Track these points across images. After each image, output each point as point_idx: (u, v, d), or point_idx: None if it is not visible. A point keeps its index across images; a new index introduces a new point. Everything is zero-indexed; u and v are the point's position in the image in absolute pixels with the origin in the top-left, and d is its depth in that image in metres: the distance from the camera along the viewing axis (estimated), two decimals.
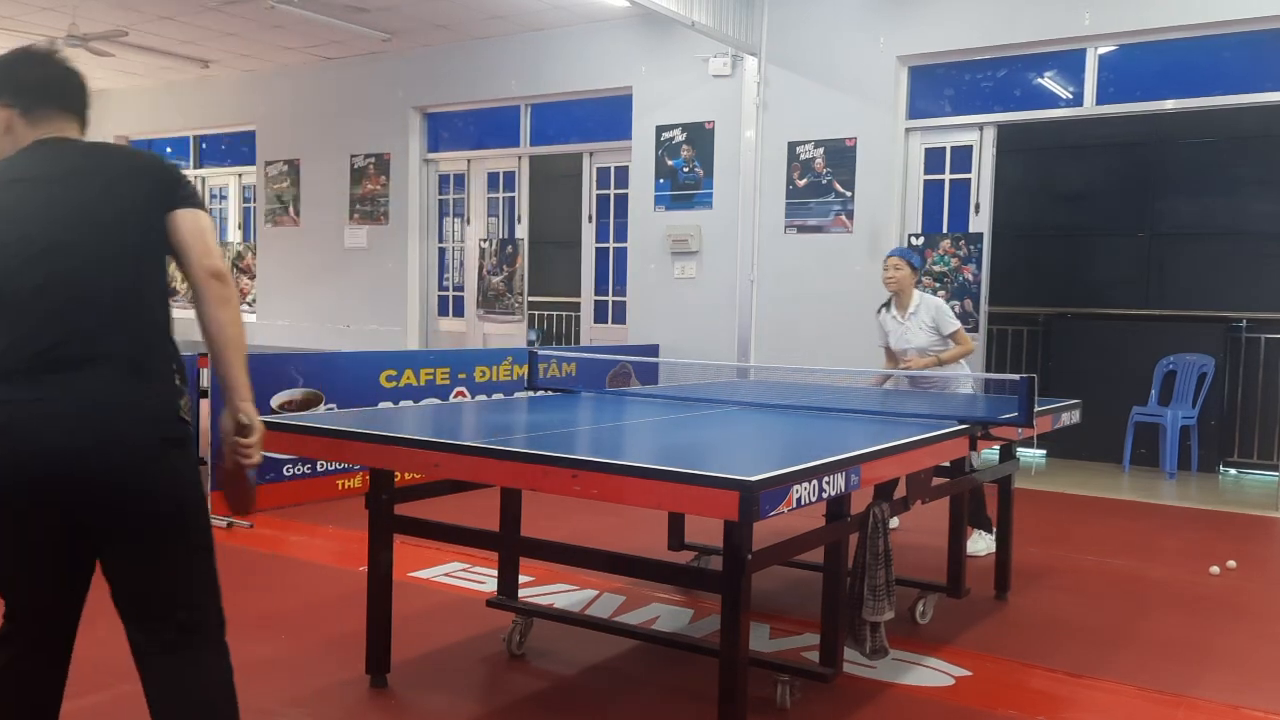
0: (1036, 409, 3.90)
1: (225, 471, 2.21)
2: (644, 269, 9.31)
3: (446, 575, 4.76)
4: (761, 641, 3.91)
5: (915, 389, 5.54)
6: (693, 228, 8.96)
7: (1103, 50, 7.50)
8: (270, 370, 6.08)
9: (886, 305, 5.64)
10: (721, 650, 2.76)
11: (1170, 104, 7.38)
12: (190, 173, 12.92)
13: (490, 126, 10.55)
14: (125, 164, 2.24)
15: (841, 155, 8.27)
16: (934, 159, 8.21)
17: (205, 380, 5.69)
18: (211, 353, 2.14)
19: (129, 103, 13.02)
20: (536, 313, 10.94)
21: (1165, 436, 8.11)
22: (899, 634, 3.94)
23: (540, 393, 4.77)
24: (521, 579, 4.17)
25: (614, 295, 9.87)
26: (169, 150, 13.15)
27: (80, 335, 2.00)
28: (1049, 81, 7.76)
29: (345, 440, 3.07)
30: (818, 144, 8.37)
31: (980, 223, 8.00)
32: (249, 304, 12.17)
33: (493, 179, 10.57)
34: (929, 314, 5.44)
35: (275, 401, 6.02)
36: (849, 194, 8.25)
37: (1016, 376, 3.88)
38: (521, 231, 10.34)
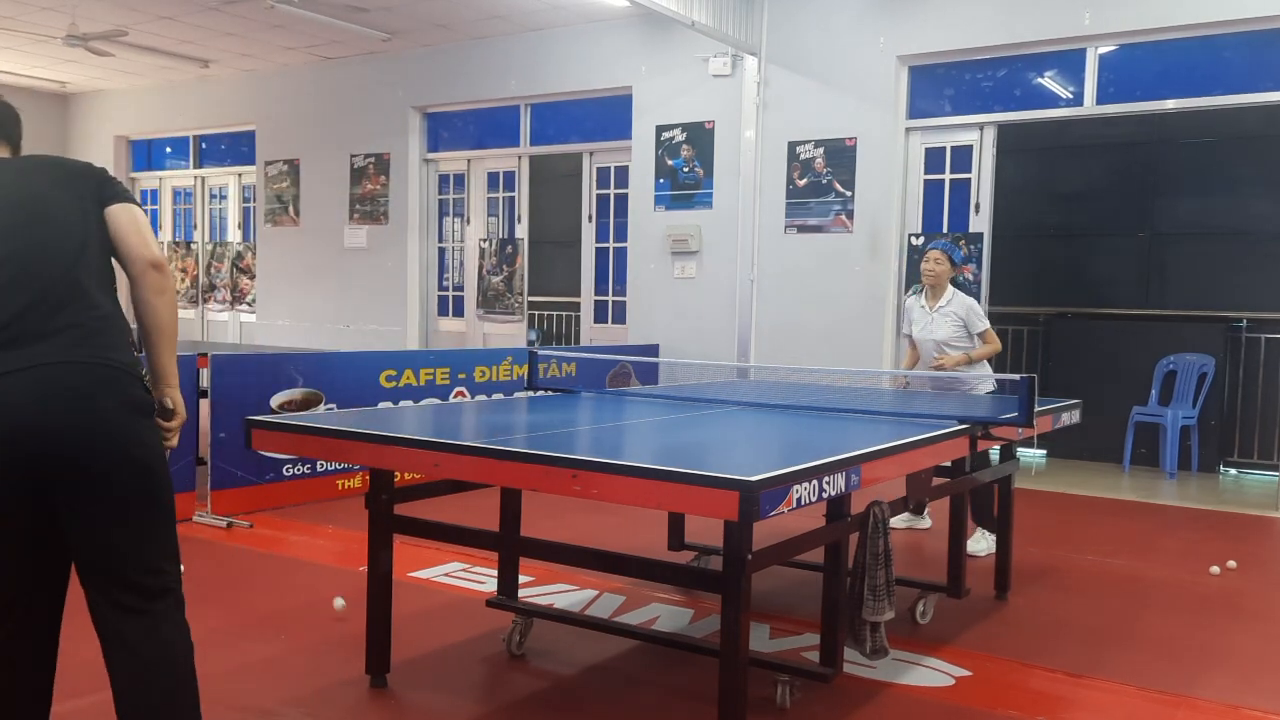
0: (1036, 409, 3.90)
1: None
2: (644, 269, 9.31)
3: (446, 575, 4.76)
4: (761, 641, 3.91)
5: (934, 388, 5.53)
6: (693, 228, 8.96)
7: (1103, 50, 7.51)
8: (270, 370, 6.08)
9: (918, 292, 5.67)
10: (721, 650, 2.76)
11: (1170, 104, 7.38)
12: (190, 172, 12.94)
13: (490, 126, 10.55)
14: (61, 168, 2.36)
15: (841, 155, 8.27)
16: (934, 159, 8.21)
17: (205, 380, 5.70)
18: (144, 339, 2.24)
19: (129, 103, 13.02)
20: (536, 313, 10.94)
21: (1165, 436, 8.11)
22: (899, 634, 3.94)
23: (540, 393, 4.77)
24: (521, 579, 4.17)
25: (614, 295, 9.87)
26: (169, 150, 13.17)
27: (37, 311, 2.07)
28: (1049, 81, 7.76)
29: (345, 440, 3.07)
30: (818, 144, 8.37)
31: (980, 223, 8.00)
32: (249, 304, 12.18)
33: (493, 179, 10.57)
34: (960, 310, 5.47)
35: (275, 401, 6.02)
36: (849, 194, 8.25)
37: (1016, 376, 3.88)
38: (521, 231, 10.34)
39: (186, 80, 12.18)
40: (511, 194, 10.42)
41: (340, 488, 6.45)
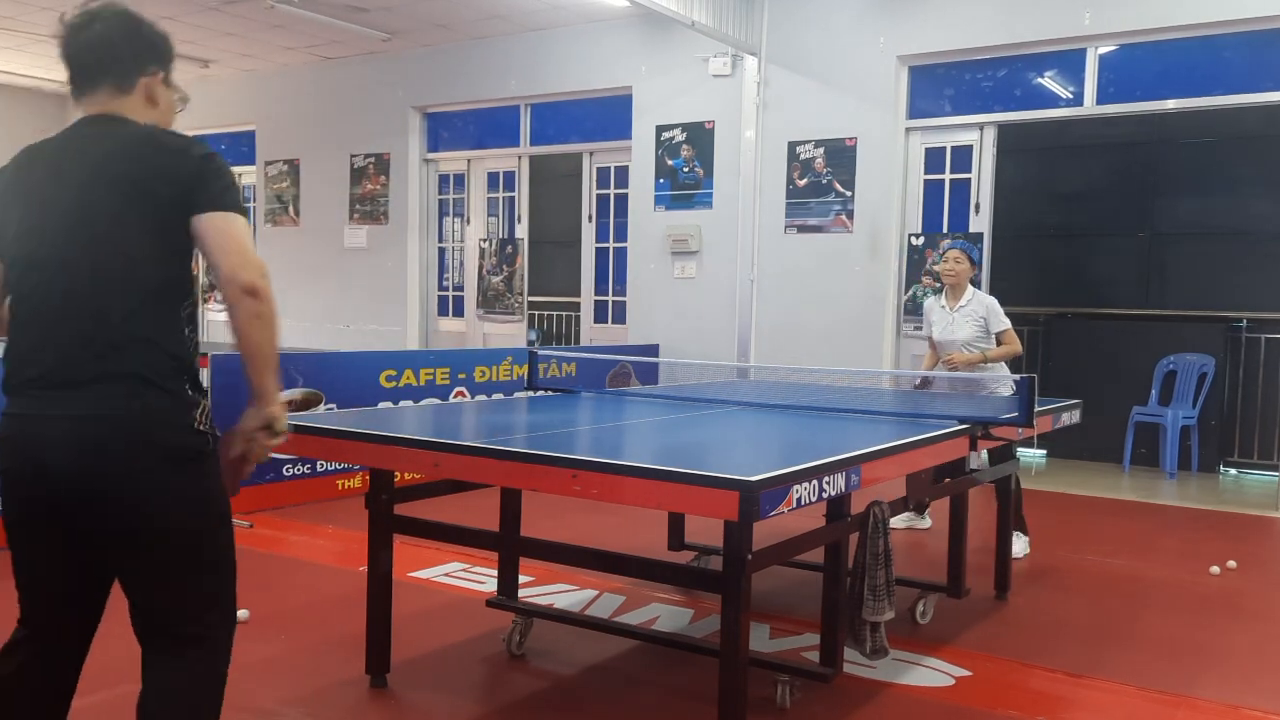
0: (1037, 409, 3.90)
1: (228, 459, 2.15)
2: (644, 269, 9.31)
3: (446, 575, 4.76)
4: (761, 641, 3.91)
5: (954, 389, 5.49)
6: (693, 228, 8.96)
7: (1103, 50, 7.51)
8: None
9: (938, 293, 5.64)
10: (721, 650, 2.76)
11: (1170, 104, 7.38)
12: None
13: (490, 126, 10.55)
14: (143, 163, 2.03)
15: (841, 155, 8.27)
16: (934, 159, 8.21)
17: (205, 380, 5.70)
18: (243, 360, 2.08)
19: None
20: (536, 313, 10.94)
21: (1165, 436, 8.11)
22: (899, 634, 3.94)
23: (540, 393, 4.77)
24: (521, 579, 4.17)
25: (614, 295, 9.87)
26: None
27: (87, 354, 1.96)
28: (1049, 81, 7.76)
29: (345, 440, 3.07)
30: (818, 144, 8.37)
31: (980, 223, 8.00)
32: None
33: (493, 179, 10.57)
34: (981, 309, 5.41)
35: None
36: (849, 194, 8.25)
37: (1016, 376, 3.88)
38: (521, 231, 10.34)
39: (186, 80, 12.10)
40: (511, 194, 10.42)
41: (340, 488, 6.45)
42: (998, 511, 4.78)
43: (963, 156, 8.07)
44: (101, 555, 2.06)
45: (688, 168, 9.03)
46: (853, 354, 8.01)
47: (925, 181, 8.24)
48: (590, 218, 9.96)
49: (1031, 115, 7.83)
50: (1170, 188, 9.35)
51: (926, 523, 5.93)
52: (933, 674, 3.67)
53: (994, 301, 5.48)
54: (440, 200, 10.93)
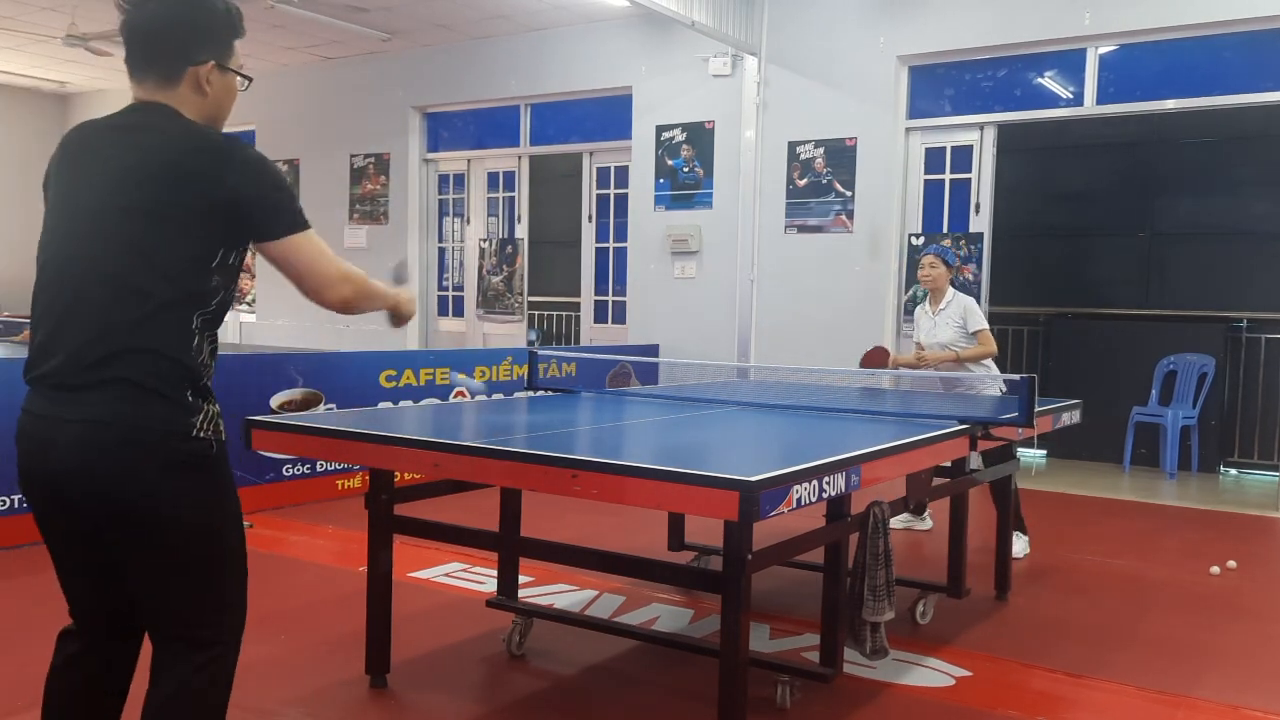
0: (1037, 409, 3.90)
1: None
2: (644, 269, 9.31)
3: (446, 575, 4.76)
4: (761, 641, 3.90)
5: (940, 388, 5.51)
6: (693, 228, 8.96)
7: (1103, 50, 7.51)
8: (270, 370, 6.08)
9: (920, 299, 5.70)
10: (721, 650, 2.75)
11: (1170, 104, 7.38)
12: None
13: (490, 126, 10.55)
14: (175, 170, 1.97)
15: (841, 155, 8.27)
16: (934, 159, 8.21)
17: None
18: None
19: (127, 102, 13.00)
20: (536, 313, 10.94)
21: (1165, 436, 8.11)
22: (899, 634, 3.94)
23: (540, 393, 4.77)
24: (521, 579, 4.17)
25: (614, 295, 9.87)
26: None
27: (92, 359, 1.95)
28: (1049, 81, 7.76)
29: (345, 440, 3.07)
30: (818, 144, 8.37)
31: (980, 223, 8.00)
32: (249, 304, 12.19)
33: (493, 179, 10.57)
34: (959, 311, 5.47)
35: (275, 401, 6.02)
36: (849, 194, 8.25)
37: (1016, 376, 3.88)
38: (521, 231, 10.34)
39: None
40: (511, 194, 10.42)
41: (340, 488, 6.45)
42: (997, 512, 4.78)
43: (963, 156, 8.07)
44: (111, 555, 2.06)
45: (688, 168, 9.03)
46: (853, 354, 7.97)
47: (925, 181, 8.24)
48: (590, 218, 9.96)
49: (1031, 115, 7.83)
50: (1170, 188, 9.36)
51: (927, 524, 5.93)
52: (933, 674, 3.67)
53: (971, 302, 5.53)
54: (440, 200, 10.93)
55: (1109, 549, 5.64)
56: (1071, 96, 7.65)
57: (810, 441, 3.47)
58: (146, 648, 2.17)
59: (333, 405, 6.29)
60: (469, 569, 4.83)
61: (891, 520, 3.38)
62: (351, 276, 2.13)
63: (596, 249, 9.95)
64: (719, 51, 8.62)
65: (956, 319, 5.45)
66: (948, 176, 8.15)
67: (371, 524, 3.40)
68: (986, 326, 5.49)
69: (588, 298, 10.05)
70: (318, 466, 6.29)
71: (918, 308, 5.77)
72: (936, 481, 3.98)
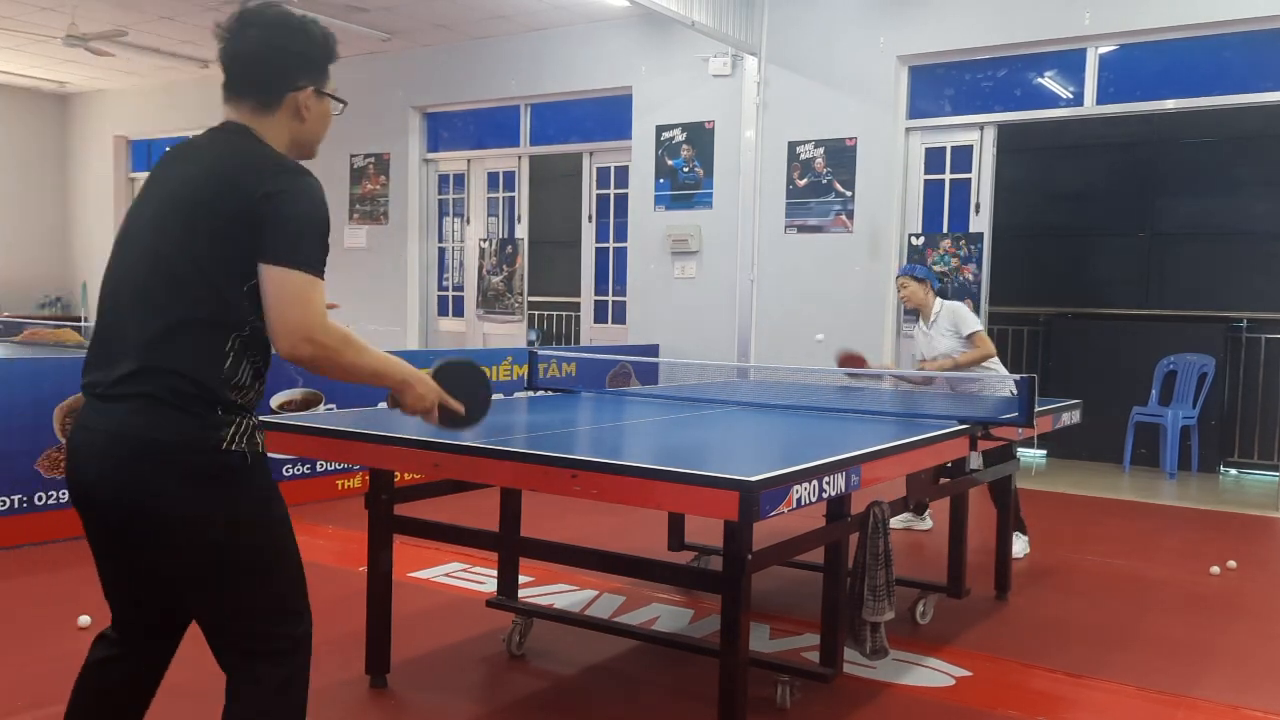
0: (1037, 409, 3.90)
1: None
2: (644, 269, 9.31)
3: (446, 575, 4.76)
4: (761, 641, 3.90)
5: (949, 390, 5.51)
6: (693, 228, 8.96)
7: (1103, 50, 7.51)
8: (270, 370, 6.06)
9: (916, 317, 5.70)
10: (721, 650, 2.75)
11: (1170, 104, 7.38)
12: None
13: (490, 126, 10.55)
14: (224, 191, 1.96)
15: (841, 155, 8.27)
16: (934, 159, 8.21)
17: None
18: None
19: (129, 103, 13.02)
20: (536, 313, 10.94)
21: (1165, 436, 8.11)
22: (899, 634, 3.94)
23: (540, 393, 4.77)
24: (521, 579, 4.17)
25: (614, 295, 9.87)
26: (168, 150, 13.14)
27: (123, 372, 1.95)
28: (1049, 81, 7.76)
29: (345, 440, 3.07)
30: (818, 144, 8.37)
31: (980, 223, 8.00)
32: None
33: (493, 179, 10.57)
34: (949, 319, 5.45)
35: (275, 401, 6.02)
36: (849, 194, 8.25)
37: (1017, 376, 3.88)
38: (521, 231, 10.34)
39: (186, 80, 12.17)
40: (511, 194, 10.42)
41: (340, 488, 6.45)
42: (997, 512, 4.79)
43: (963, 156, 8.07)
44: (142, 561, 2.06)
45: (688, 168, 9.03)
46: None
47: (925, 181, 8.24)
48: (590, 218, 9.96)
49: (1031, 115, 7.83)
50: (1170, 188, 9.36)
51: (927, 524, 5.93)
52: (933, 674, 3.67)
53: (960, 307, 5.51)
54: (440, 200, 10.93)
55: (1109, 549, 5.64)
56: (1071, 96, 7.65)
57: (810, 441, 3.47)
58: (187, 645, 2.17)
59: (333, 405, 6.29)
60: (469, 569, 4.83)
61: (891, 520, 3.38)
62: (323, 342, 1.96)
63: (596, 249, 9.95)
64: (719, 51, 8.62)
65: (949, 328, 5.44)
66: (948, 176, 8.15)
67: (371, 524, 3.40)
68: (979, 328, 5.46)
69: (588, 298, 10.05)
70: (318, 466, 6.29)
71: (916, 326, 5.74)
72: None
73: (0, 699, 3.24)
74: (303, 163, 2.10)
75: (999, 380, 5.34)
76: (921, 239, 8.13)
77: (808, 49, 8.37)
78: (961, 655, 3.86)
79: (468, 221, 10.71)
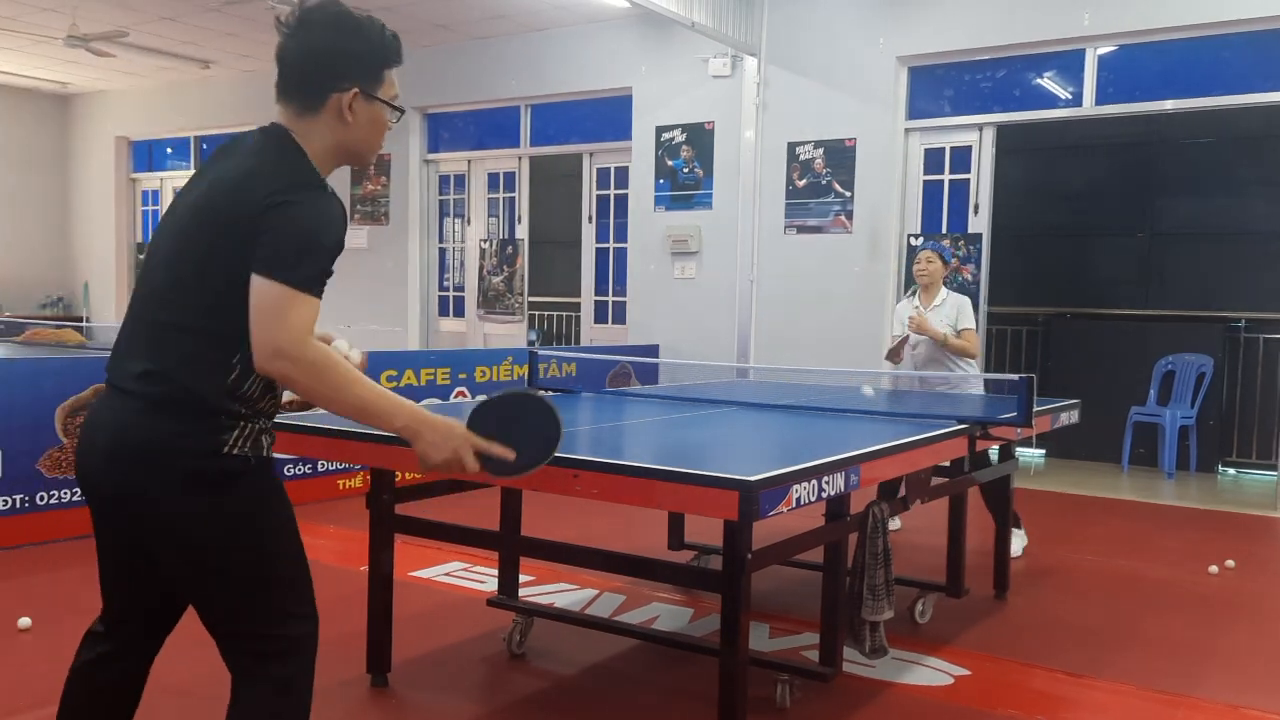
0: (1035, 409, 3.90)
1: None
2: (644, 269, 9.32)
3: (447, 575, 4.76)
4: (761, 641, 3.91)
5: (923, 387, 5.54)
6: (693, 228, 8.97)
7: (1102, 50, 7.51)
8: None
9: (911, 294, 5.69)
10: (721, 650, 2.76)
11: (1170, 104, 7.39)
12: (191, 173, 12.91)
13: (490, 127, 10.56)
14: (237, 197, 1.90)
15: (841, 155, 8.28)
16: (934, 159, 8.21)
17: None
18: None
19: (129, 103, 13.03)
20: (536, 313, 10.95)
21: (1164, 436, 8.12)
22: (899, 633, 3.94)
23: (540, 393, 4.76)
24: (521, 579, 4.18)
25: (614, 295, 9.88)
26: (169, 151, 13.15)
27: (132, 374, 1.96)
28: (1048, 82, 7.77)
29: (345, 440, 3.07)
30: (817, 144, 8.37)
31: (980, 223, 8.01)
32: None
33: (493, 179, 10.58)
34: (953, 309, 5.48)
35: None
36: (849, 194, 8.26)
37: (1015, 376, 3.89)
38: (521, 232, 10.34)
39: (187, 81, 12.18)
40: (512, 194, 10.42)
41: (341, 488, 6.45)
42: (993, 517, 4.79)
43: (962, 157, 8.08)
44: (142, 554, 2.07)
45: (688, 168, 9.03)
46: (853, 354, 8.01)
47: (925, 182, 8.24)
48: (590, 218, 9.97)
49: (1031, 116, 7.84)
50: (1170, 188, 9.36)
51: (895, 524, 5.91)
52: (932, 673, 3.67)
53: (966, 301, 5.55)
54: (440, 201, 10.94)
55: (1108, 549, 5.64)
56: (1071, 97, 7.66)
57: (810, 441, 3.47)
58: (187, 645, 2.17)
59: None
60: (470, 568, 4.84)
61: None
62: (296, 357, 1.87)
63: (596, 249, 9.96)
64: (719, 52, 8.63)
65: (948, 317, 5.46)
66: (947, 177, 8.16)
67: (372, 524, 3.40)
68: (974, 328, 5.53)
69: (588, 298, 10.06)
70: (319, 466, 6.29)
71: (902, 303, 5.75)
72: (935, 481, 3.98)
73: (0, 699, 3.25)
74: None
75: (973, 378, 5.43)
76: (921, 239, 8.13)
77: (807, 49, 8.38)
78: (961, 655, 3.86)
79: (468, 222, 10.71)
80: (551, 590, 4.50)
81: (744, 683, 2.73)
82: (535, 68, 9.85)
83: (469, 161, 10.68)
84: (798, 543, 3.05)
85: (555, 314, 11.26)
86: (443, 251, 10.96)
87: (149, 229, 13.17)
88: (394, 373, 6.66)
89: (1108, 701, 3.47)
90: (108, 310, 13.14)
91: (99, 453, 1.98)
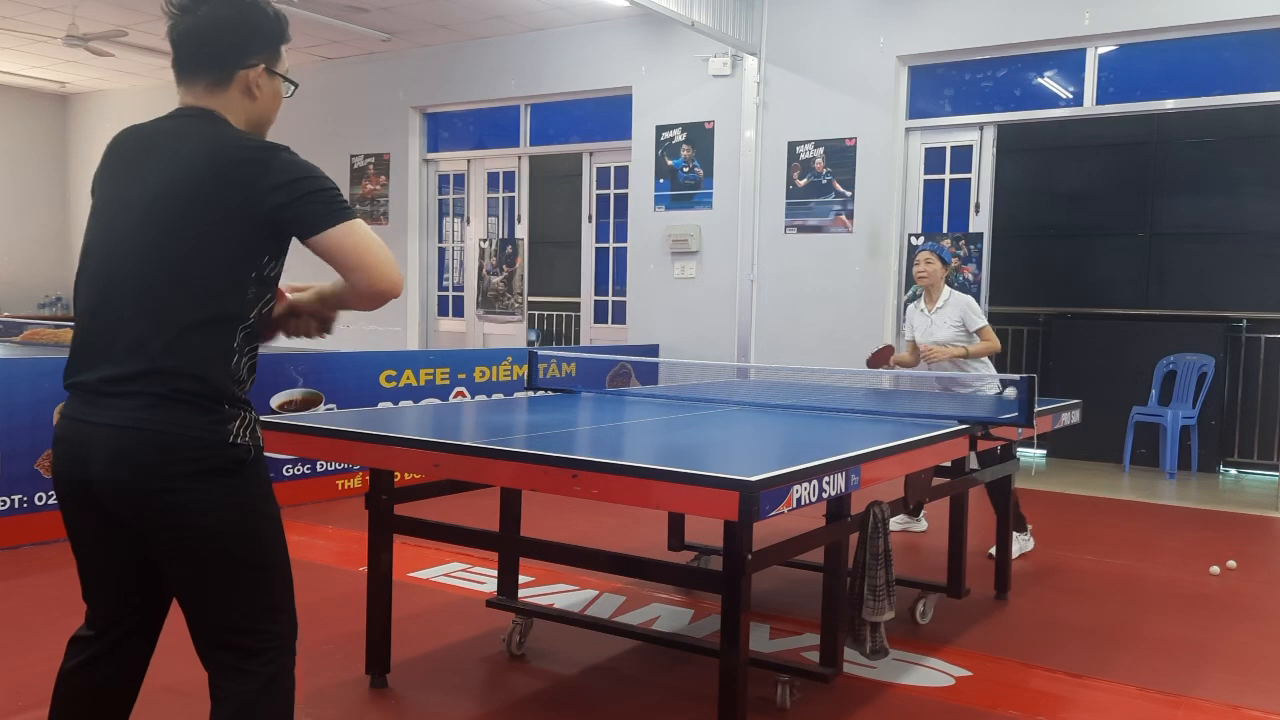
0: (1036, 409, 3.90)
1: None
2: (644, 269, 9.32)
3: (446, 575, 4.76)
4: (761, 641, 3.91)
5: (936, 388, 5.51)
6: (693, 228, 8.96)
7: (1103, 50, 7.51)
8: (270, 370, 6.08)
9: (915, 298, 5.66)
10: (721, 650, 2.76)
11: (1170, 104, 7.38)
12: None
13: (490, 126, 10.55)
14: (220, 177, 1.95)
15: (841, 155, 8.27)
16: (934, 159, 8.21)
17: None
18: (335, 294, 2.25)
19: (129, 103, 13.02)
20: (536, 313, 10.94)
21: (1165, 436, 8.11)
22: (899, 634, 3.94)
23: (540, 393, 4.77)
24: (521, 579, 4.18)
25: (614, 295, 9.87)
26: None
27: (125, 370, 1.94)
28: (1049, 81, 7.76)
29: (345, 440, 3.07)
30: (818, 144, 8.37)
31: (980, 223, 8.00)
32: None
33: (493, 179, 10.57)
34: (957, 310, 5.42)
35: (275, 401, 6.02)
36: (849, 194, 8.25)
37: (1016, 376, 3.88)
38: (521, 231, 10.34)
39: None
40: (511, 194, 10.42)
41: (340, 488, 6.45)
42: (996, 515, 4.78)
43: (962, 156, 8.08)
44: (144, 557, 2.06)
45: (688, 168, 9.03)
46: (853, 354, 8.00)
47: (925, 181, 8.24)
48: (590, 218, 9.96)
49: (1031, 115, 7.83)
50: (1170, 188, 9.35)
51: (922, 525, 5.92)
52: (933, 674, 3.67)
53: (970, 300, 5.50)
54: (440, 200, 10.93)
55: (1109, 549, 5.64)
56: (1071, 96, 7.66)
57: (810, 441, 3.47)
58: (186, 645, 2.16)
59: (333, 405, 6.29)
60: (469, 569, 4.83)
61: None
62: (397, 280, 2.08)
63: (596, 249, 9.95)
64: (719, 51, 8.62)
65: (954, 319, 5.42)
66: (947, 176, 8.15)
67: (372, 524, 3.40)
68: (987, 323, 5.46)
69: (588, 298, 10.06)
70: (318, 466, 6.29)
71: (910, 305, 5.73)
72: (936, 481, 3.97)
73: (0, 699, 3.24)
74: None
75: (989, 378, 5.37)
76: (921, 239, 8.13)
77: (807, 49, 8.37)
78: (961, 655, 3.86)
79: (468, 221, 10.71)
80: (551, 591, 4.50)
81: (744, 683, 2.73)
82: (535, 67, 9.85)
83: (469, 161, 10.68)
84: (798, 543, 3.04)
85: (555, 314, 11.25)
86: (442, 251, 10.96)
87: None
88: (393, 372, 6.66)
89: (1109, 702, 3.46)
90: None
91: (99, 453, 1.96)
